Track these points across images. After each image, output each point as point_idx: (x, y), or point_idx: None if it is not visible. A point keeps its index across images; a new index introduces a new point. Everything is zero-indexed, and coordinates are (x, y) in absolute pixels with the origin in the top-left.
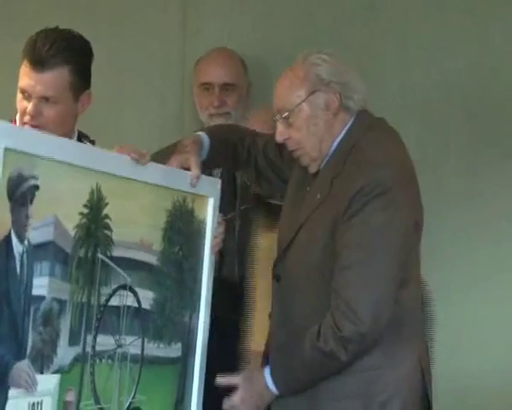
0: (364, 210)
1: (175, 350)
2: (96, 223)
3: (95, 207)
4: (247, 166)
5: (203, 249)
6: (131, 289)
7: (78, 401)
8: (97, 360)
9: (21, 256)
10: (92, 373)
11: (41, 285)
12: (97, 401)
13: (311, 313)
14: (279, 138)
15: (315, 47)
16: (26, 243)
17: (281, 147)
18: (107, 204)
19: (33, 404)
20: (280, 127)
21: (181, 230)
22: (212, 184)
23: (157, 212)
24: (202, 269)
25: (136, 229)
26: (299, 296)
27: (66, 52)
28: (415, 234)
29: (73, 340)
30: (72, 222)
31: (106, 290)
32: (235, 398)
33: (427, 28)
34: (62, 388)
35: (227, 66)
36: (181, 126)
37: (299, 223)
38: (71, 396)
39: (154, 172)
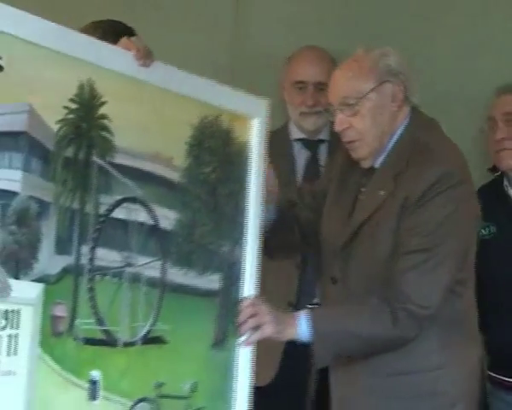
0: (435, 200)
1: (211, 282)
2: (89, 122)
3: (86, 104)
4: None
5: (247, 176)
6: (144, 204)
7: (73, 318)
8: (97, 276)
9: None
10: (91, 289)
11: (10, 179)
12: (101, 322)
13: None
14: (339, 127)
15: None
16: None
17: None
18: (103, 103)
19: (6, 312)
20: (340, 116)
21: (213, 150)
22: (258, 104)
23: (178, 124)
24: (247, 197)
25: (149, 138)
26: (362, 297)
27: None
28: (474, 231)
29: (62, 248)
30: (54, 116)
31: (106, 200)
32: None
33: None
34: (48, 300)
35: (320, 65)
36: None
37: (359, 222)
38: (60, 311)
39: (175, 78)
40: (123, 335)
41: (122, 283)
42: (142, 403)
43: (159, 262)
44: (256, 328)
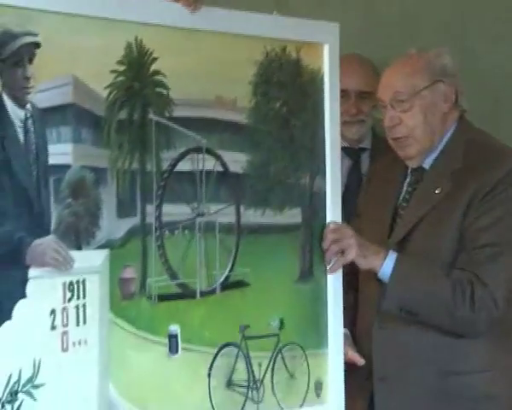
0: (506, 194)
1: (291, 216)
2: (141, 80)
3: (136, 64)
4: None
5: (322, 102)
6: (210, 152)
7: (144, 278)
8: (167, 232)
9: (24, 122)
10: (161, 246)
11: (62, 153)
12: (174, 277)
13: None
14: (389, 123)
15: None
16: (28, 107)
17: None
18: (155, 59)
19: (71, 284)
20: (391, 112)
21: (282, 83)
22: (327, 29)
23: (239, 65)
24: (323, 124)
25: (208, 84)
26: None
27: None
28: None
29: (125, 211)
30: (101, 82)
31: (168, 155)
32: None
33: None
34: (116, 264)
35: (362, 74)
36: None
37: (414, 220)
38: (130, 273)
39: (231, 19)
40: (200, 285)
41: (194, 234)
42: (227, 348)
43: (232, 207)
44: (341, 253)
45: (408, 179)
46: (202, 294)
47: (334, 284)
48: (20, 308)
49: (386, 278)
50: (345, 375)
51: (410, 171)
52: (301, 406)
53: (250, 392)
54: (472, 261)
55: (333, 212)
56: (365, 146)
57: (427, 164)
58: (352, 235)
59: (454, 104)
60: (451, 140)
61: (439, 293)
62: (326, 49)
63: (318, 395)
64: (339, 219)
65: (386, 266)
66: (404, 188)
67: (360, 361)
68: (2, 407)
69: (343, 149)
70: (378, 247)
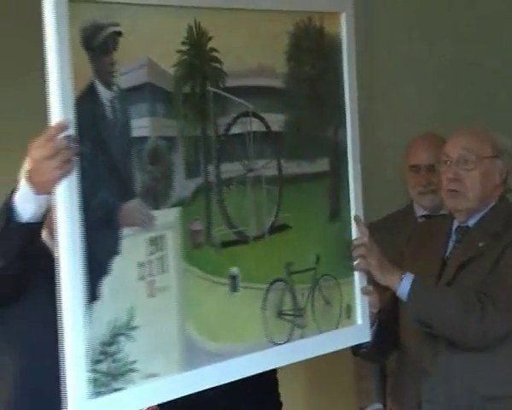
0: None
1: (321, 165)
2: (201, 58)
3: (195, 43)
4: None
5: (341, 63)
6: (256, 116)
7: (209, 229)
8: (225, 188)
9: (111, 102)
10: (220, 201)
11: (142, 126)
12: (231, 226)
13: None
14: (452, 175)
15: None
16: (115, 88)
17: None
18: (210, 38)
19: (153, 239)
20: (455, 168)
21: (310, 49)
22: (343, 1)
23: (275, 37)
24: (342, 83)
25: (253, 56)
26: None
27: None
28: None
29: (191, 172)
30: (169, 61)
31: (224, 121)
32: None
33: None
34: (186, 219)
35: (431, 150)
36: None
37: (458, 264)
38: (197, 225)
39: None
40: (252, 231)
41: (246, 187)
42: (277, 283)
43: (275, 162)
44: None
45: (454, 237)
46: (254, 239)
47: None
48: (114, 263)
49: (404, 297)
50: (395, 398)
51: (455, 228)
52: (336, 327)
53: (296, 319)
54: (499, 288)
55: (354, 161)
56: (445, 212)
57: (471, 223)
58: (376, 257)
59: (504, 181)
60: (494, 207)
61: (449, 306)
62: (343, 18)
63: (349, 317)
64: (358, 168)
65: (403, 285)
66: (450, 244)
67: None
68: (108, 347)
69: (425, 216)
70: (396, 268)
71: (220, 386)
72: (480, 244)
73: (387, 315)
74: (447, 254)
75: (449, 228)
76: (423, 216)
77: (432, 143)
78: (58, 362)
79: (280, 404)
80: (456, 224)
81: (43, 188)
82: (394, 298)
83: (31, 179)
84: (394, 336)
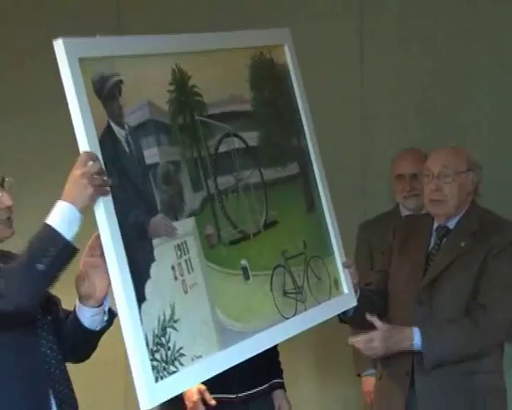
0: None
1: (292, 169)
2: (186, 94)
3: (179, 83)
4: None
5: (292, 84)
6: (236, 135)
7: (219, 231)
8: (224, 197)
9: (126, 138)
10: (223, 207)
11: (153, 155)
12: (235, 226)
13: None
14: (433, 187)
15: None
16: (126, 127)
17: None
18: (190, 77)
19: (179, 245)
20: (437, 181)
21: (265, 76)
22: (283, 34)
23: (239, 69)
24: (295, 100)
25: (224, 88)
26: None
27: None
28: None
29: (196, 187)
30: (163, 99)
31: (213, 142)
32: (375, 334)
33: None
34: (201, 226)
35: (413, 161)
36: None
37: (444, 264)
38: (210, 230)
39: (227, 40)
40: (251, 229)
41: (239, 194)
42: (278, 268)
43: (257, 170)
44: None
45: (435, 234)
46: (254, 234)
47: (329, 213)
48: (152, 269)
49: (419, 348)
50: (384, 363)
51: (435, 228)
52: (329, 298)
53: (298, 296)
54: (485, 300)
55: (317, 162)
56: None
57: (451, 224)
58: (380, 339)
59: (475, 190)
60: (468, 210)
61: (458, 342)
62: (286, 48)
63: (337, 288)
64: (321, 168)
65: (415, 341)
66: (433, 240)
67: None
68: (160, 338)
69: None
70: (403, 331)
71: None
72: (462, 244)
73: (376, 289)
74: (429, 248)
75: (431, 226)
76: (407, 216)
77: (414, 155)
78: None
79: (281, 371)
80: (436, 224)
81: (81, 202)
82: (382, 276)
83: (70, 196)
84: (378, 308)
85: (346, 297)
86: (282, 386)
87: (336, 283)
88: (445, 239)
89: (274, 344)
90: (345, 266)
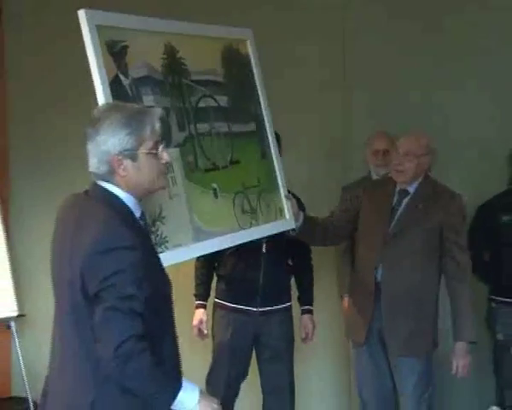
0: (462, 215)
1: (251, 126)
2: (175, 62)
3: (170, 54)
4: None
5: (252, 67)
6: (211, 96)
7: (196, 161)
8: (201, 137)
9: (130, 86)
10: (200, 145)
11: (149, 100)
12: (208, 159)
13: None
14: (398, 162)
15: None
16: (129, 78)
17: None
18: (178, 51)
19: (168, 165)
20: (402, 159)
21: (233, 60)
22: (247, 32)
23: (214, 51)
24: (254, 79)
25: (204, 61)
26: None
27: None
28: None
29: (181, 128)
30: (158, 63)
31: (194, 99)
32: None
33: None
34: (183, 155)
35: (386, 140)
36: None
37: (406, 221)
38: (190, 158)
39: (206, 30)
40: (220, 163)
41: (212, 138)
42: (238, 194)
43: (225, 123)
44: None
45: (397, 194)
46: (222, 167)
47: (276, 161)
48: None
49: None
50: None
51: (397, 190)
52: (275, 220)
53: (252, 215)
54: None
55: (269, 125)
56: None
57: (410, 189)
58: None
59: (429, 166)
60: (423, 180)
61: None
62: (248, 43)
63: (281, 214)
64: (272, 129)
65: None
66: (395, 199)
67: None
68: (152, 228)
69: (378, 179)
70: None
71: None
72: (420, 206)
73: (334, 220)
74: (393, 204)
75: (394, 188)
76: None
77: (386, 136)
78: None
79: (312, 299)
80: (398, 187)
81: None
82: (344, 215)
83: None
84: (318, 236)
85: (287, 221)
86: (311, 312)
87: (281, 210)
88: (405, 199)
89: (232, 245)
90: (285, 198)
